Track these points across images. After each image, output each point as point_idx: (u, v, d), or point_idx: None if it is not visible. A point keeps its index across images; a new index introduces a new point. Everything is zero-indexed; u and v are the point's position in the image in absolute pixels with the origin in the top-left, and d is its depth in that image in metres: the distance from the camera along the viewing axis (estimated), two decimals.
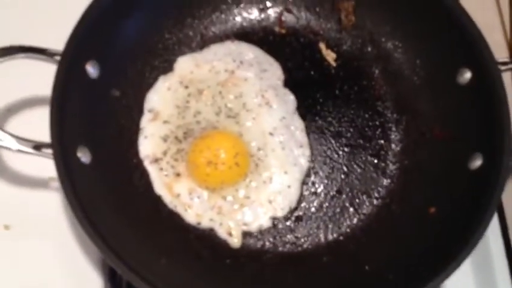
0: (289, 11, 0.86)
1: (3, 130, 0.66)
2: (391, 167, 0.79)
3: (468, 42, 0.73)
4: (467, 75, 0.74)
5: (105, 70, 0.73)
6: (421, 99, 0.80)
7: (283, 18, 0.86)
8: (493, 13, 0.99)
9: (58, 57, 0.68)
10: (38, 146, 0.66)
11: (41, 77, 0.75)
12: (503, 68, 0.72)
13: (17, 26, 0.86)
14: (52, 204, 0.80)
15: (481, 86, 0.72)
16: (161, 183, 0.75)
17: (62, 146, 0.64)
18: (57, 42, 0.69)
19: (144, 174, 0.76)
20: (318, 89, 0.83)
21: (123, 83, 0.77)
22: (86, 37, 0.69)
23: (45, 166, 0.78)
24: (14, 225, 0.78)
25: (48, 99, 0.82)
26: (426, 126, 0.79)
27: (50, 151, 0.65)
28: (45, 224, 0.79)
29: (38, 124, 0.72)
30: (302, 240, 0.75)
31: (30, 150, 0.66)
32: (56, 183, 0.80)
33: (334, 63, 0.84)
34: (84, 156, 0.68)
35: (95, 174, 0.69)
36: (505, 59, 0.74)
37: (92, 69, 0.72)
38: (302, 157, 0.78)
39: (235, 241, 0.74)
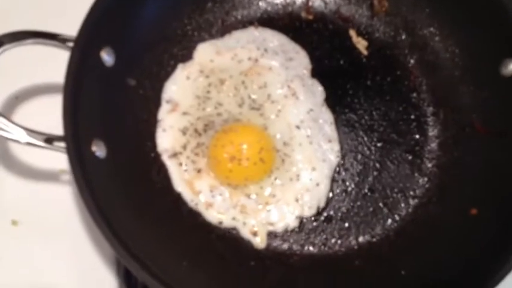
0: None
1: (12, 122, 0.62)
2: (428, 164, 0.74)
3: None
4: None
5: (120, 58, 0.68)
6: (460, 91, 0.75)
7: (310, 2, 0.81)
8: None
9: (70, 44, 0.64)
10: (49, 139, 0.62)
11: (50, 64, 0.71)
12: None
13: (26, 10, 0.81)
14: (62, 198, 0.76)
15: None
16: (181, 179, 0.70)
17: (75, 140, 0.60)
18: (69, 27, 0.64)
19: (163, 170, 0.71)
20: (347, 79, 0.78)
21: (139, 71, 0.73)
22: (101, 22, 0.65)
23: (55, 158, 0.74)
24: (22, 220, 0.75)
25: (58, 87, 0.78)
26: (466, 120, 0.73)
27: (62, 144, 0.60)
28: (55, 220, 0.75)
29: (46, 112, 0.70)
30: (332, 242, 0.70)
31: (41, 143, 0.62)
32: (67, 176, 0.77)
33: (365, 52, 0.79)
34: (99, 150, 0.64)
35: (110, 170, 0.64)
36: None
37: (106, 57, 0.67)
38: (331, 152, 0.73)
39: (260, 241, 0.69)
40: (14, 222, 0.74)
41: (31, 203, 0.75)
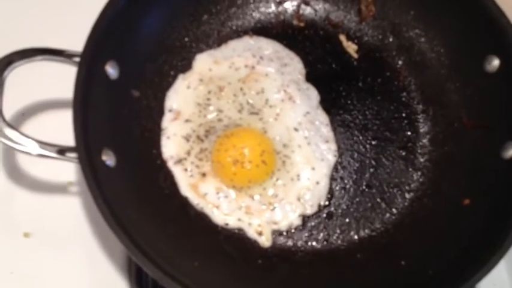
0: (306, 3, 0.85)
1: (24, 135, 0.64)
2: (420, 159, 0.77)
3: (496, 29, 0.71)
4: (496, 62, 0.72)
5: (124, 71, 0.71)
6: (447, 88, 0.78)
7: (301, 11, 0.84)
8: None
9: (77, 59, 0.66)
10: (61, 151, 0.64)
11: (51, 80, 0.75)
12: None
13: (33, 28, 0.84)
14: (72, 209, 0.78)
15: (510, 73, 0.70)
16: (187, 183, 0.73)
17: (86, 150, 0.62)
18: (73, 43, 0.67)
19: (169, 176, 0.74)
20: (340, 82, 0.81)
21: (142, 83, 0.75)
22: (105, 37, 0.67)
23: (63, 171, 0.78)
24: (34, 233, 0.76)
25: (61, 103, 0.82)
26: (454, 115, 0.77)
27: (74, 155, 0.63)
28: (66, 230, 0.77)
29: (52, 127, 0.72)
30: (334, 237, 0.73)
31: (54, 154, 0.64)
32: (75, 188, 0.79)
33: (355, 55, 0.82)
34: (109, 159, 0.66)
35: (120, 177, 0.67)
36: None
37: (111, 70, 0.70)
38: (329, 152, 0.77)
39: (265, 240, 0.72)
40: (26, 235, 0.76)
41: (42, 215, 0.77)
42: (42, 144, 0.64)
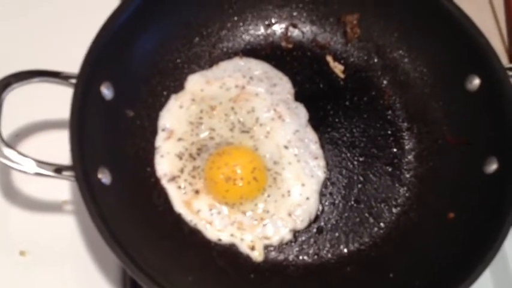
0: (294, 25, 0.87)
1: (22, 154, 0.65)
2: (406, 174, 0.80)
3: (476, 50, 0.74)
4: (476, 81, 0.75)
5: (119, 91, 0.73)
6: (431, 106, 0.81)
7: (289, 33, 0.87)
8: (489, 20, 1.01)
9: (73, 80, 0.68)
10: (58, 169, 0.65)
11: (49, 100, 0.76)
12: (510, 73, 0.74)
13: (30, 50, 0.86)
14: (67, 227, 0.79)
15: (491, 92, 0.74)
16: (180, 201, 0.75)
17: (83, 168, 0.64)
18: (69, 65, 0.69)
19: (163, 193, 0.75)
20: (328, 101, 0.84)
21: (136, 103, 0.78)
22: (100, 60, 0.69)
23: (57, 190, 0.79)
24: (30, 251, 0.77)
25: (58, 122, 0.83)
26: (438, 133, 0.80)
27: (70, 173, 0.64)
28: (62, 248, 0.78)
29: (49, 147, 0.73)
30: (324, 251, 0.75)
31: (51, 173, 0.65)
32: (70, 207, 0.80)
33: (342, 75, 0.85)
34: (104, 177, 0.68)
35: (115, 195, 0.68)
36: (509, 65, 0.76)
37: (106, 91, 0.71)
38: (318, 168, 0.79)
39: (258, 255, 0.74)
40: (22, 253, 0.76)
41: (37, 234, 0.77)
42: (40, 163, 0.65)
